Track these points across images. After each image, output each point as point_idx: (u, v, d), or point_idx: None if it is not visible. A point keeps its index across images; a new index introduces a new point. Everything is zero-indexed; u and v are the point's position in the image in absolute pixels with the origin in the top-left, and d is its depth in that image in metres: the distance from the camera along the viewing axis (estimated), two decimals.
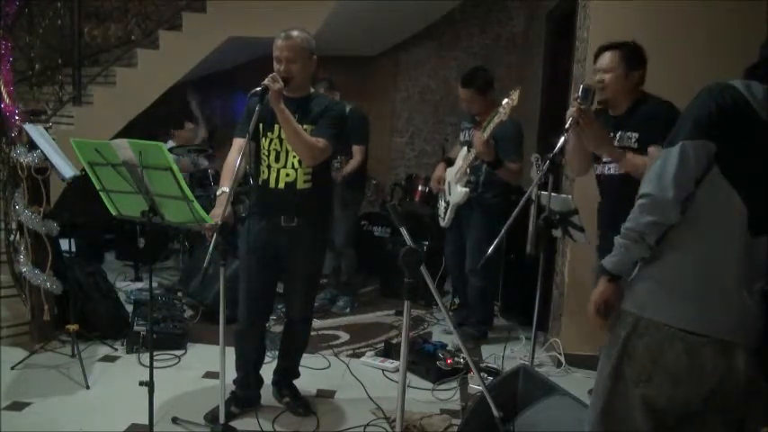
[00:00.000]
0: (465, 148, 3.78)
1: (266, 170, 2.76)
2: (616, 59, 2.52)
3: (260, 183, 2.79)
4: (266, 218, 2.77)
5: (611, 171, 2.57)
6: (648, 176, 1.57)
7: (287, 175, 2.73)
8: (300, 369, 3.24)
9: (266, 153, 2.75)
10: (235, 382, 2.93)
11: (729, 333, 1.51)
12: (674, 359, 1.52)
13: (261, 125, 2.71)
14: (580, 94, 2.49)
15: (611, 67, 2.52)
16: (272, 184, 2.74)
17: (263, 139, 2.75)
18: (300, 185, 2.74)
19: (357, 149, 4.38)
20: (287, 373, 3.06)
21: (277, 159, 2.74)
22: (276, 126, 2.70)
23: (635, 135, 2.49)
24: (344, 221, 4.47)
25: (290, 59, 2.63)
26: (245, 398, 2.93)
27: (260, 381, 3.00)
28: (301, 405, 2.95)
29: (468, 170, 3.74)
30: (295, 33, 2.67)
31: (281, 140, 2.72)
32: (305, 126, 2.68)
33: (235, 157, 2.68)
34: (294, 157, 2.72)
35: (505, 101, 3.22)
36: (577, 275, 3.50)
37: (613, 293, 1.69)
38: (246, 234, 2.78)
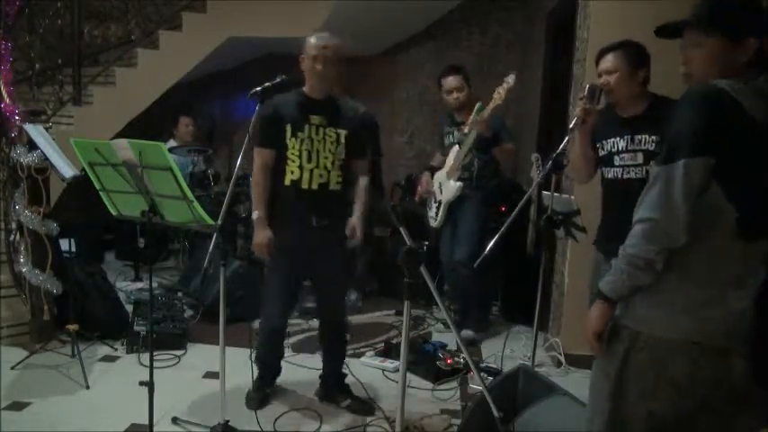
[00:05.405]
0: (456, 146, 3.83)
1: (297, 170, 2.73)
2: (619, 60, 2.47)
3: (288, 183, 2.75)
4: (297, 219, 2.75)
5: (631, 175, 2.48)
6: (650, 199, 1.47)
7: (320, 175, 2.74)
8: (300, 369, 3.25)
9: (297, 153, 2.73)
10: (256, 380, 3.03)
11: (728, 339, 1.50)
12: (677, 371, 1.50)
13: (289, 126, 2.71)
14: (586, 94, 2.48)
15: (614, 69, 2.47)
16: (304, 184, 2.73)
17: (293, 139, 2.72)
18: (333, 186, 2.76)
19: None
20: (337, 377, 3.07)
21: (309, 159, 2.73)
22: (307, 126, 2.72)
23: (654, 138, 2.42)
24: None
25: (328, 60, 2.67)
26: (263, 396, 3.02)
27: (279, 370, 3.13)
28: (365, 403, 2.97)
29: (459, 166, 3.80)
30: (332, 35, 2.72)
31: (311, 140, 2.72)
32: (338, 130, 2.73)
33: (265, 174, 2.74)
34: (326, 158, 2.73)
35: (502, 85, 3.38)
36: (578, 275, 3.50)
37: (610, 316, 1.62)
38: (276, 236, 2.76)
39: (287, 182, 2.75)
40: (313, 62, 2.67)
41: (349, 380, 3.12)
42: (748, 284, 1.51)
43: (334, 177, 2.75)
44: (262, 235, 2.73)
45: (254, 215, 2.75)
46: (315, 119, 2.73)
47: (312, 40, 2.70)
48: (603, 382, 1.62)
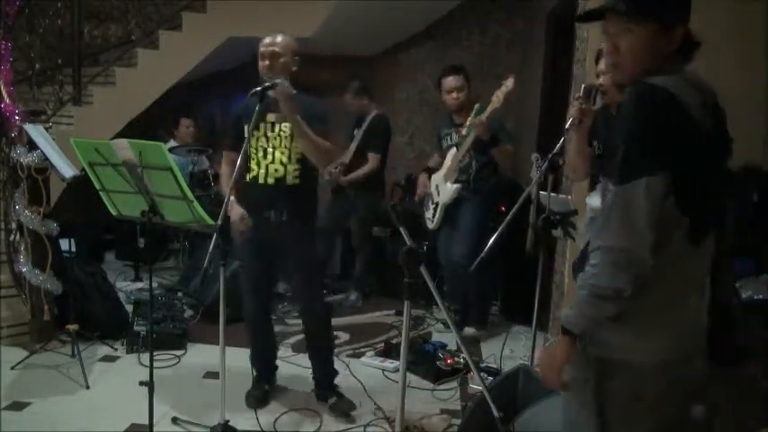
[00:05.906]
0: (454, 149, 3.82)
1: (255, 167, 2.81)
2: None
3: (248, 179, 2.83)
4: (257, 214, 2.79)
5: None
6: (613, 224, 1.36)
7: (275, 170, 2.78)
8: (299, 369, 3.24)
9: (255, 151, 2.80)
10: (255, 377, 3.03)
11: (692, 346, 1.48)
12: (651, 390, 1.46)
13: (247, 126, 2.73)
14: (582, 94, 2.48)
15: None
16: (261, 179, 2.79)
17: (251, 137, 2.77)
18: (291, 181, 2.79)
19: (372, 157, 4.43)
20: (325, 375, 3.06)
21: (265, 155, 2.79)
22: (262, 124, 2.78)
23: None
24: (359, 222, 4.60)
25: (274, 54, 2.71)
26: (262, 394, 3.02)
27: (275, 367, 3.15)
28: (346, 403, 2.96)
29: (456, 168, 3.79)
30: (282, 34, 2.78)
31: (267, 138, 2.79)
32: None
33: (231, 171, 2.73)
34: (282, 153, 2.78)
35: (500, 88, 3.37)
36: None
37: (574, 350, 1.50)
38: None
39: (248, 178, 2.83)
40: (261, 60, 2.74)
41: (349, 380, 3.12)
42: (703, 286, 1.49)
43: (291, 171, 2.78)
44: (240, 211, 2.75)
45: (227, 200, 2.75)
46: (271, 117, 2.78)
47: (263, 40, 2.76)
48: (581, 410, 1.56)
